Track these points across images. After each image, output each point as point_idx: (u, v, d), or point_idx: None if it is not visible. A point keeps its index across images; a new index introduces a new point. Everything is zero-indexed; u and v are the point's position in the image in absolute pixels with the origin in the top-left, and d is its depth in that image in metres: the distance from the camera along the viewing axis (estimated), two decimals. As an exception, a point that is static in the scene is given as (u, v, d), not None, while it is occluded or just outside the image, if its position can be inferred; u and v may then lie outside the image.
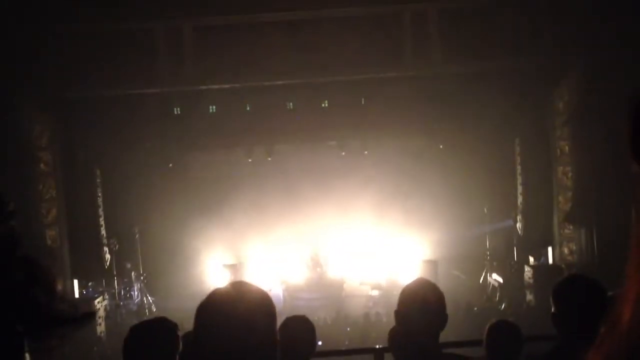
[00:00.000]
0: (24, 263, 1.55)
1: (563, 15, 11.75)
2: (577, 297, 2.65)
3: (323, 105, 13.88)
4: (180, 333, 2.95)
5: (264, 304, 1.72)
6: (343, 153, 16.09)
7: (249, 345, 1.64)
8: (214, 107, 13.85)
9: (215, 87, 12.91)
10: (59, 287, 1.65)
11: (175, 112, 13.63)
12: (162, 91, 12.89)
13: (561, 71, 13.10)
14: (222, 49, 12.46)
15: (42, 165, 13.36)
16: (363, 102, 13.93)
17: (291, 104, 13.87)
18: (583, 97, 12.70)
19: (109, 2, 11.59)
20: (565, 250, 14.01)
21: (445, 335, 2.70)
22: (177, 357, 2.85)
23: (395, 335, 3.59)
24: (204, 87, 12.88)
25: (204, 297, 1.73)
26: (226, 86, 12.93)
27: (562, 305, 2.68)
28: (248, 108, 13.83)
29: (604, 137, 11.86)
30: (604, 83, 11.65)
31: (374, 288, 14.73)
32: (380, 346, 4.27)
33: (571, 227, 13.86)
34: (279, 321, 1.83)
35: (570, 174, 13.73)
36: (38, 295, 1.54)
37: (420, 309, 2.55)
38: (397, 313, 2.64)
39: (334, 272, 15.77)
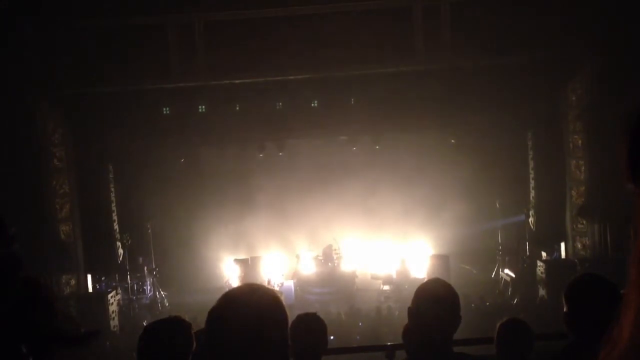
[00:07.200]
0: (26, 285, 1.58)
1: (576, 8, 11.62)
2: (590, 297, 2.61)
3: (333, 100, 13.83)
4: (194, 330, 2.97)
5: (275, 305, 1.73)
6: (354, 148, 16.08)
7: (260, 346, 1.66)
8: (225, 102, 13.86)
9: (227, 82, 12.94)
10: (61, 306, 1.68)
11: (188, 108, 13.65)
12: (174, 87, 12.93)
13: (575, 64, 12.97)
14: (234, 44, 12.46)
15: (55, 161, 13.47)
16: (374, 98, 13.84)
17: (305, 99, 13.80)
18: (597, 90, 12.58)
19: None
20: (578, 245, 13.90)
21: (457, 330, 2.69)
22: (191, 356, 2.88)
23: (408, 333, 3.60)
24: (215, 83, 12.90)
25: (215, 292, 1.76)
26: (237, 81, 12.95)
27: (574, 305, 2.64)
28: (259, 103, 13.80)
29: (617, 130, 11.73)
30: (618, 75, 11.53)
31: (385, 282, 14.73)
32: (391, 343, 4.27)
33: (584, 221, 13.75)
34: (291, 315, 1.84)
35: (583, 168, 13.59)
36: (39, 316, 1.56)
37: (434, 308, 2.54)
38: (410, 310, 2.63)
39: (346, 266, 15.78)
